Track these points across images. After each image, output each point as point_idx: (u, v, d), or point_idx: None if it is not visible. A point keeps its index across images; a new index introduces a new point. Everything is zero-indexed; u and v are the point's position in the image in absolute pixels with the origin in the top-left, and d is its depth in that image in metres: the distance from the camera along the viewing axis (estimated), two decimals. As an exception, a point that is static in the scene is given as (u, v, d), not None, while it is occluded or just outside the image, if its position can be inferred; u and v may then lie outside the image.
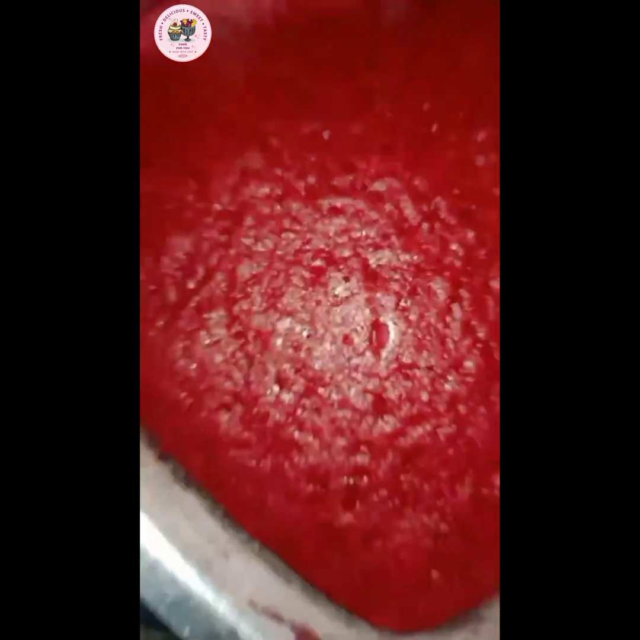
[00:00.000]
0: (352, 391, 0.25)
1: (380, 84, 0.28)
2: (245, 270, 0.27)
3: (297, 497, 0.25)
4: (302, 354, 0.26)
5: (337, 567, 0.25)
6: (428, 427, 0.25)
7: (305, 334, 0.26)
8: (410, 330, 0.26)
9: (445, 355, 0.26)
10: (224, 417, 0.25)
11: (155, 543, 0.22)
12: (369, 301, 0.26)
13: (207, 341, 0.26)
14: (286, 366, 0.26)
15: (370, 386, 0.26)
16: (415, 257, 0.27)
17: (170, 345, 0.26)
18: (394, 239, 0.27)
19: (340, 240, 0.27)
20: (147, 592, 0.22)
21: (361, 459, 0.25)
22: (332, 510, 0.25)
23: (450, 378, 0.25)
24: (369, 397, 0.25)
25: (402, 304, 0.26)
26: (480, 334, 0.26)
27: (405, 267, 0.27)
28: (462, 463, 0.25)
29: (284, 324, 0.26)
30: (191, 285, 0.26)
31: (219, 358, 0.26)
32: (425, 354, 0.26)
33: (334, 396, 0.25)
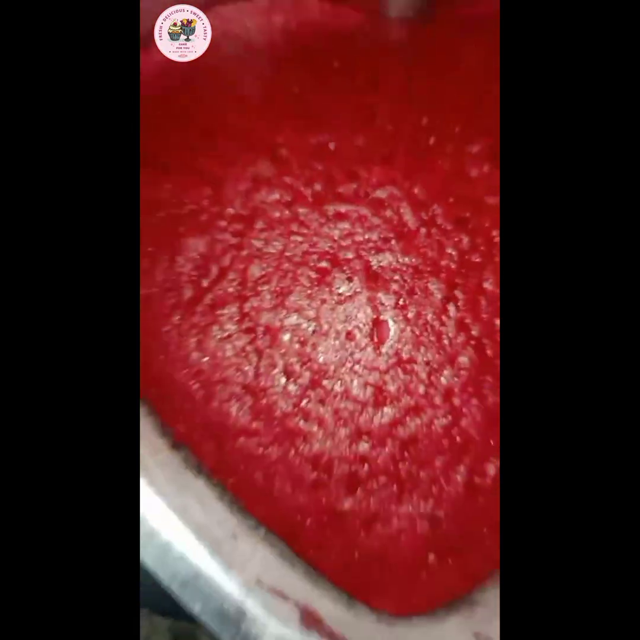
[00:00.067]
0: (354, 384, 0.26)
1: (382, 100, 0.29)
2: (255, 270, 0.27)
3: (301, 484, 0.26)
4: (308, 349, 0.27)
5: (338, 552, 0.25)
6: (425, 418, 0.26)
7: (310, 330, 0.27)
8: (408, 328, 0.27)
9: (441, 351, 0.26)
10: (234, 407, 0.26)
11: (169, 524, 0.23)
12: (370, 300, 0.27)
13: (219, 336, 0.27)
14: (293, 360, 0.26)
15: (371, 379, 0.26)
16: (413, 260, 0.27)
17: (185, 340, 0.27)
18: (394, 242, 0.27)
19: (344, 243, 0.27)
20: (160, 570, 0.22)
21: (362, 447, 0.26)
22: (334, 496, 0.25)
23: (445, 372, 0.26)
24: (370, 390, 0.26)
25: (401, 303, 0.27)
26: (474, 332, 0.26)
27: (404, 268, 0.27)
28: (456, 452, 0.26)
29: (291, 320, 0.27)
30: (205, 283, 0.27)
31: (230, 352, 0.26)
32: (422, 349, 0.26)
33: (337, 388, 0.26)
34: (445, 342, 0.26)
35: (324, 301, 0.27)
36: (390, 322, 0.27)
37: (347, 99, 0.29)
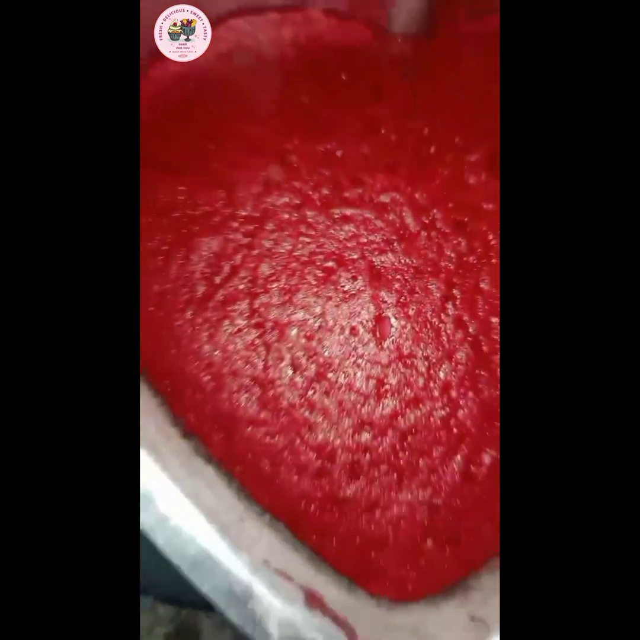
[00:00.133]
0: (358, 376, 0.27)
1: (386, 111, 0.30)
2: (265, 268, 0.28)
3: (306, 472, 0.27)
4: (314, 343, 0.28)
5: (340, 538, 0.26)
6: (424, 410, 0.27)
7: (316, 325, 0.28)
8: (409, 324, 0.28)
9: (440, 347, 0.27)
10: (243, 398, 0.27)
11: (180, 508, 0.23)
12: (373, 298, 0.28)
13: (230, 330, 0.28)
14: (299, 353, 0.27)
15: (373, 372, 0.27)
16: (414, 261, 0.28)
17: (197, 334, 0.28)
18: (396, 244, 0.28)
19: (349, 245, 0.28)
20: (171, 552, 0.22)
21: (364, 437, 0.27)
22: (337, 484, 0.26)
23: (443, 367, 0.27)
24: (372, 382, 0.27)
25: (402, 301, 0.28)
26: (471, 329, 0.28)
27: (405, 269, 0.28)
28: (453, 442, 0.27)
29: (299, 316, 0.28)
30: (217, 280, 0.28)
31: (240, 345, 0.27)
32: (422, 345, 0.27)
33: (341, 381, 0.27)
34: (444, 338, 0.28)
35: (329, 298, 0.28)
36: (392, 319, 0.28)
37: (354, 110, 0.30)
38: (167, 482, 0.24)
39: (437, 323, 0.28)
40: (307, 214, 0.29)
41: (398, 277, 0.28)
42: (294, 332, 0.28)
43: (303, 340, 0.28)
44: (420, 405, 0.27)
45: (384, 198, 0.29)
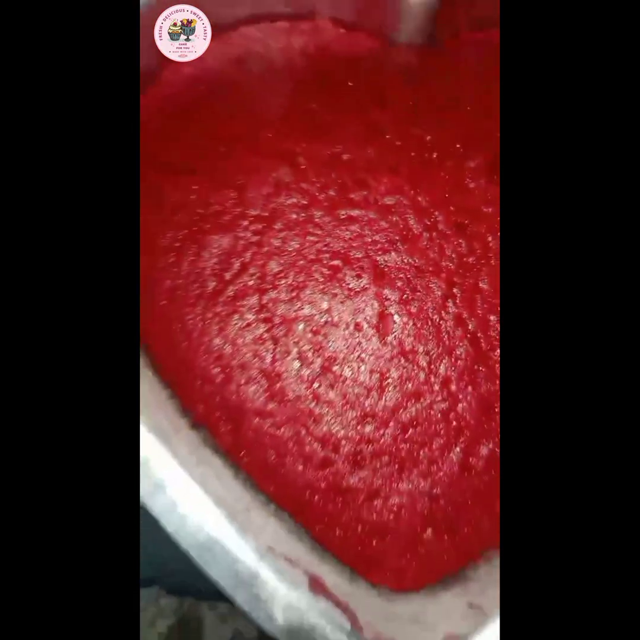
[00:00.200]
0: (361, 370, 0.28)
1: (391, 117, 0.31)
2: (274, 266, 0.29)
3: (311, 462, 0.27)
4: (320, 338, 0.28)
5: (342, 528, 0.27)
6: (424, 403, 0.28)
7: (322, 320, 0.29)
8: (411, 321, 0.29)
9: (440, 343, 0.28)
10: (250, 390, 0.28)
11: (190, 494, 0.23)
12: (377, 295, 0.29)
13: (239, 325, 0.28)
14: (306, 347, 0.28)
15: (376, 367, 0.28)
16: (417, 260, 0.29)
17: (207, 328, 0.28)
18: (399, 244, 0.29)
19: (354, 244, 0.29)
20: (180, 536, 0.23)
21: (367, 428, 0.28)
22: (340, 474, 0.27)
23: (444, 362, 0.28)
24: (375, 376, 0.28)
25: (405, 298, 0.29)
26: (470, 326, 0.28)
27: (408, 268, 0.29)
28: (452, 435, 0.27)
29: (305, 311, 0.29)
30: (228, 276, 0.29)
31: (248, 339, 0.28)
32: (423, 341, 0.28)
33: (346, 374, 0.28)
34: (444, 334, 0.28)
35: (335, 295, 0.29)
36: (395, 316, 0.29)
37: (359, 116, 0.31)
38: (177, 470, 0.24)
39: (437, 320, 0.29)
40: (314, 214, 0.30)
41: (401, 275, 0.29)
42: (300, 327, 0.29)
43: (309, 335, 0.29)
44: (421, 399, 0.28)
45: (388, 200, 0.30)
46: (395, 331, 0.29)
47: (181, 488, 0.23)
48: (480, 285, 0.29)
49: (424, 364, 0.28)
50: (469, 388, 0.28)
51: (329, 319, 0.29)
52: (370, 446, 0.28)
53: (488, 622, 0.22)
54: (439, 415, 0.28)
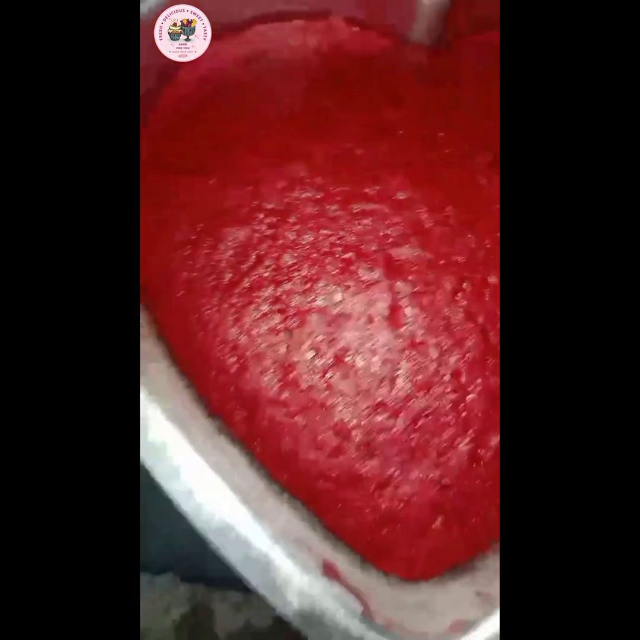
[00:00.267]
0: (373, 361, 0.29)
1: (403, 114, 0.32)
2: (288, 258, 0.30)
3: (323, 450, 0.28)
4: (333, 329, 0.29)
5: (355, 517, 0.27)
6: (435, 394, 0.28)
7: (336, 312, 0.29)
8: (422, 313, 0.29)
9: (451, 335, 0.29)
10: (265, 380, 0.28)
11: (206, 480, 0.24)
12: (389, 288, 0.29)
13: (255, 315, 0.29)
14: (319, 338, 0.29)
15: (388, 358, 0.29)
16: (428, 254, 0.30)
17: (223, 319, 0.29)
18: (411, 239, 0.30)
19: (367, 238, 0.30)
20: (197, 521, 0.23)
21: (378, 418, 0.28)
22: (353, 462, 0.28)
23: (454, 354, 0.29)
24: (387, 367, 0.29)
25: (416, 291, 0.29)
26: (480, 319, 0.29)
27: (419, 261, 0.30)
28: (462, 425, 0.28)
29: (319, 303, 0.29)
30: (243, 268, 0.29)
31: (263, 330, 0.29)
32: (434, 333, 0.29)
33: (359, 364, 0.29)
34: (454, 327, 0.29)
35: (348, 287, 0.30)
36: (407, 308, 0.29)
37: (372, 113, 0.32)
38: (194, 456, 0.24)
39: (448, 313, 0.29)
40: (328, 208, 0.30)
41: (413, 269, 0.30)
42: (314, 318, 0.29)
43: (323, 326, 0.29)
44: (432, 390, 0.28)
45: (401, 195, 0.31)
46: (406, 323, 0.29)
47: (197, 474, 0.24)
48: (490, 279, 0.30)
49: (435, 356, 0.29)
50: (478, 380, 0.28)
51: (342, 311, 0.29)
52: (381, 435, 0.28)
53: (496, 610, 0.22)
54: (449, 406, 0.28)
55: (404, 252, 0.30)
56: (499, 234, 0.30)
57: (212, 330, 0.29)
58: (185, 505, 0.23)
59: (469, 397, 0.28)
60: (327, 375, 0.29)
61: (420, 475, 0.28)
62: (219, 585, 0.36)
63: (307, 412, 0.28)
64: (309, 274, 0.30)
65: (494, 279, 0.30)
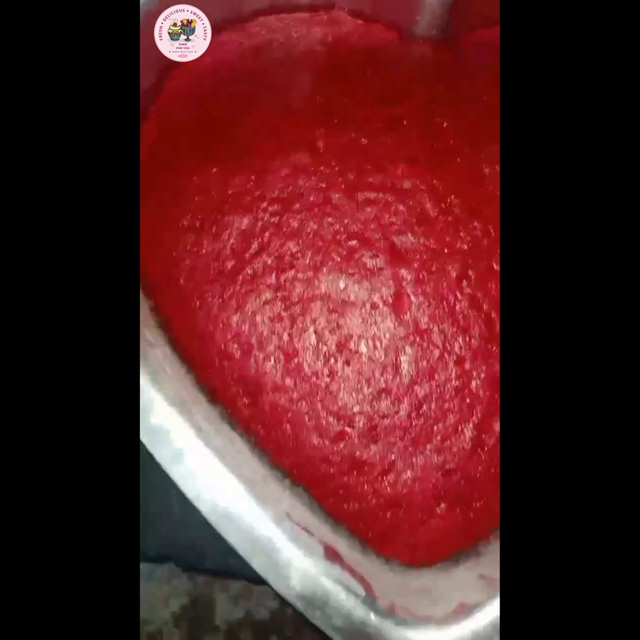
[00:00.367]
0: (377, 347, 0.29)
1: (409, 108, 0.32)
2: (292, 246, 0.30)
3: (326, 436, 0.28)
4: (336, 316, 0.29)
5: (356, 502, 0.27)
6: (438, 380, 0.28)
7: (339, 299, 0.29)
8: (426, 301, 0.29)
9: (455, 322, 0.29)
10: (268, 366, 0.29)
11: (209, 464, 0.24)
12: (393, 275, 0.29)
13: (258, 302, 0.29)
14: (323, 325, 0.29)
15: (392, 344, 0.29)
16: (432, 242, 0.30)
17: (226, 305, 0.29)
18: (416, 227, 0.30)
19: (371, 226, 0.30)
20: (201, 504, 0.23)
21: (382, 404, 0.28)
22: (355, 448, 0.28)
23: (458, 340, 0.29)
24: (391, 353, 0.29)
25: (420, 278, 0.29)
26: (484, 307, 0.29)
27: (424, 249, 0.30)
28: (466, 411, 0.28)
29: (322, 290, 0.29)
30: (247, 256, 0.29)
31: (267, 316, 0.29)
32: (438, 320, 0.29)
33: (362, 351, 0.29)
34: (458, 314, 0.29)
35: (352, 274, 0.30)
36: (411, 295, 0.29)
37: (377, 106, 0.32)
38: (196, 440, 0.25)
39: (452, 300, 0.29)
40: (332, 196, 0.30)
41: (417, 257, 0.30)
42: (318, 305, 0.29)
43: (326, 313, 0.29)
44: (435, 376, 0.29)
45: (405, 184, 0.31)
46: (410, 310, 0.29)
47: (200, 457, 0.24)
48: (494, 267, 0.30)
49: (439, 343, 0.29)
50: (483, 366, 0.29)
51: (346, 298, 0.30)
52: (385, 420, 0.28)
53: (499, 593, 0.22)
54: (453, 392, 0.28)
55: (408, 240, 0.30)
56: (502, 223, 0.30)
57: (215, 317, 0.29)
58: (188, 489, 0.23)
59: (473, 383, 0.29)
60: (331, 362, 0.29)
61: (424, 461, 0.28)
62: (219, 575, 0.36)
63: (310, 398, 0.29)
64: (312, 261, 0.30)
65: (497, 266, 0.30)
